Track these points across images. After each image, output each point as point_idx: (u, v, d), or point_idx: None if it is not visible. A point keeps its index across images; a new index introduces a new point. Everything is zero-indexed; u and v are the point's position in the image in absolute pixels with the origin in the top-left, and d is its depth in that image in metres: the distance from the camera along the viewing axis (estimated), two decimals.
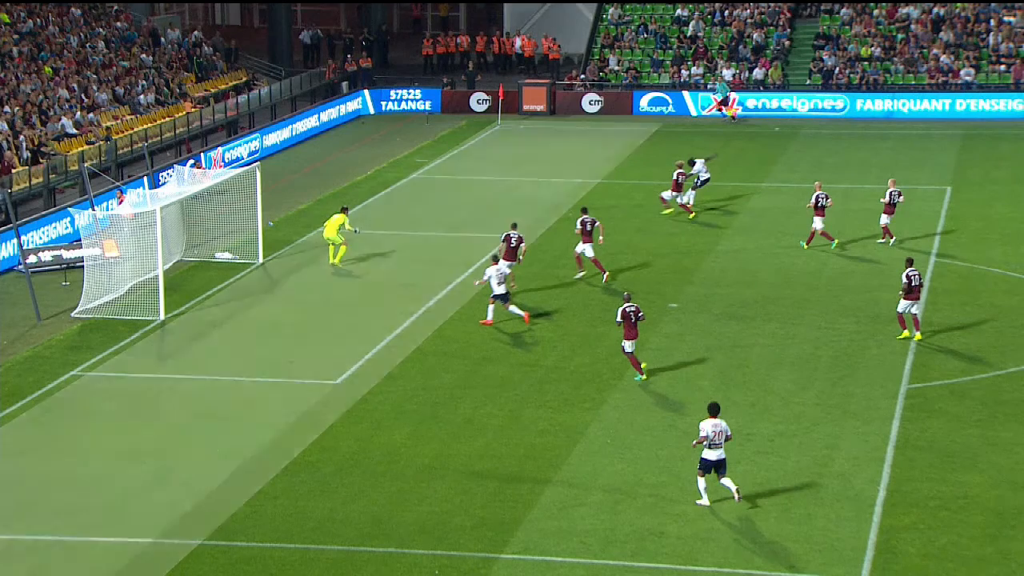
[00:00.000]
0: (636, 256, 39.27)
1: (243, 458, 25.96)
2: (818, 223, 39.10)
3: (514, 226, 35.37)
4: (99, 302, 34.84)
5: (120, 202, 40.75)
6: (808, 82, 63.04)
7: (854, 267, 38.11)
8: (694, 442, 23.87)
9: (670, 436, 26.63)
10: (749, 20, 66.56)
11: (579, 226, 36.46)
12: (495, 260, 33.25)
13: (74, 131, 49.22)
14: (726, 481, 23.69)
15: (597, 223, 36.37)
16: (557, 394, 29.02)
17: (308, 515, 23.67)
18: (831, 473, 25.11)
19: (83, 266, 35.82)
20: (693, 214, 43.16)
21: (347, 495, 24.43)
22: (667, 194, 43.25)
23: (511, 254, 34.70)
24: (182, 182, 39.21)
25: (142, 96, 54.75)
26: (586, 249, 36.42)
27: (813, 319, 33.68)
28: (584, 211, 37.12)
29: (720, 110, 60.80)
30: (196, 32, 65.49)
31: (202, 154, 50.10)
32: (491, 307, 33.13)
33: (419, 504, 24.04)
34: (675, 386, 29.43)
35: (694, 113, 61.60)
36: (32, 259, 37.69)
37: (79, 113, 50.52)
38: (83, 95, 52.16)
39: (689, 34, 66.27)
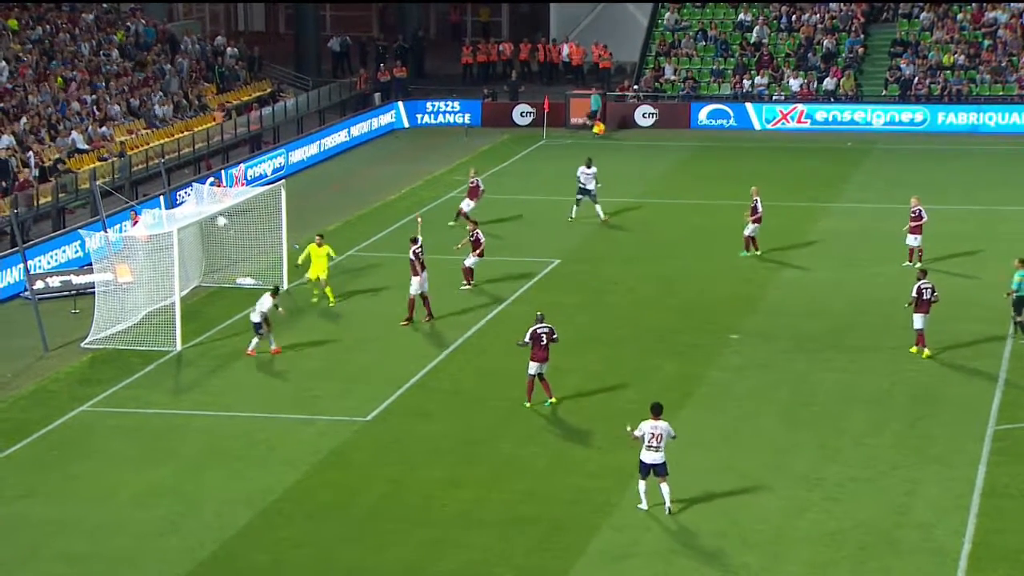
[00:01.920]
0: (693, 282, 39.20)
1: (265, 501, 26.05)
2: (751, 229, 40.90)
3: (414, 240, 36.05)
4: (111, 331, 35.10)
5: (134, 223, 41.07)
6: (884, 93, 62.85)
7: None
8: (631, 434, 24.85)
9: (729, 479, 26.52)
10: (819, 25, 66.46)
11: (473, 236, 38.06)
12: (274, 294, 33.79)
13: (85, 146, 49.72)
14: (664, 488, 24.73)
15: (479, 235, 38.18)
16: (606, 432, 28.96)
17: (335, 564, 23.70)
18: (910, 523, 24.92)
19: (94, 292, 36.11)
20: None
21: (378, 543, 24.46)
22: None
23: (421, 268, 35.69)
24: (201, 201, 39.51)
25: (158, 108, 55.22)
26: (471, 260, 38.22)
27: (888, 352, 33.48)
28: (474, 223, 39.11)
29: (589, 123, 61.01)
30: (219, 37, 65.96)
31: (223, 171, 50.49)
32: (267, 339, 33.65)
33: (456, 553, 24.03)
34: (736, 424, 29.30)
35: (758, 127, 61.55)
36: (39, 285, 38.03)
37: (91, 127, 51.03)
38: (95, 107, 52.68)
39: (753, 41, 66.24)
